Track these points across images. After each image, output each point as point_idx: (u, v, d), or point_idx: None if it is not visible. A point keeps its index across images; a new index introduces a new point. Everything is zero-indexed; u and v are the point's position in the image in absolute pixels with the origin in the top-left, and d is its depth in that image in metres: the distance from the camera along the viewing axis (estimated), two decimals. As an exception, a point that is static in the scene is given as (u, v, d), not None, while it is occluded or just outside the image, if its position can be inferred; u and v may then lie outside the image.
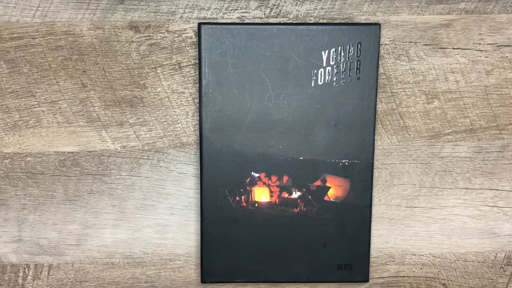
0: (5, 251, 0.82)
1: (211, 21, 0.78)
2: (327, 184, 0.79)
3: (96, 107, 0.79)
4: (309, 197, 0.79)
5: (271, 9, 0.78)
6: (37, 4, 0.77)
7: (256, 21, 0.78)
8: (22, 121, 0.79)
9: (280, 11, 0.78)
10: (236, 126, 0.77)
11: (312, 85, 0.76)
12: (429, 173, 0.82)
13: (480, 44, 0.79)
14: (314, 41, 0.75)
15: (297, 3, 0.78)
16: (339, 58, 0.75)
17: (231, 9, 0.78)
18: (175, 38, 0.78)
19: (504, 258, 0.85)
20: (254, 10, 0.78)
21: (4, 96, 0.79)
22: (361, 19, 0.78)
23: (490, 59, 0.79)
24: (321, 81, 0.76)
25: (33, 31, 0.77)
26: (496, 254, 0.85)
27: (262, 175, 0.78)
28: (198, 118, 0.79)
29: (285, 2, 0.78)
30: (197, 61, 0.78)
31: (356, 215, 0.80)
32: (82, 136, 0.80)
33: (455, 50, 0.79)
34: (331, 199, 0.79)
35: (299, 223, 0.79)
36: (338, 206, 0.79)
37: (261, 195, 0.79)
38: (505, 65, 0.80)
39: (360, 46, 0.75)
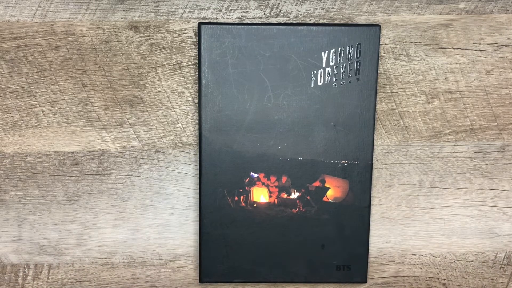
0: (5, 251, 0.83)
1: (211, 21, 0.78)
2: (326, 185, 0.79)
3: (96, 107, 0.79)
4: (308, 197, 0.79)
5: (271, 9, 0.78)
6: (37, 4, 0.77)
7: (256, 21, 0.78)
8: (22, 121, 0.79)
9: (280, 11, 0.78)
10: (235, 126, 0.77)
11: (312, 85, 0.76)
12: (429, 173, 0.82)
13: (480, 44, 0.79)
14: (314, 42, 0.75)
15: (297, 3, 0.78)
16: (339, 59, 0.75)
17: (231, 9, 0.78)
18: (175, 38, 0.78)
19: (504, 258, 0.85)
20: (254, 10, 0.78)
21: (4, 96, 0.79)
22: (361, 19, 0.78)
23: (490, 59, 0.79)
24: (320, 82, 0.76)
25: (33, 31, 0.77)
26: (496, 254, 0.85)
27: (261, 175, 0.78)
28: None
29: (285, 2, 0.78)
30: (197, 61, 0.78)
31: (355, 216, 0.80)
32: (82, 136, 0.80)
33: (455, 50, 0.79)
34: (330, 200, 0.79)
35: (297, 223, 0.80)
36: (337, 207, 0.79)
37: (260, 195, 0.79)
38: (505, 65, 0.79)
39: (360, 47, 0.75)
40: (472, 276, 0.85)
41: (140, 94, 0.79)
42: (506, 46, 0.79)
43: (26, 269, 0.83)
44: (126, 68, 0.78)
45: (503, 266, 0.85)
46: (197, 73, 0.79)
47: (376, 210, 0.83)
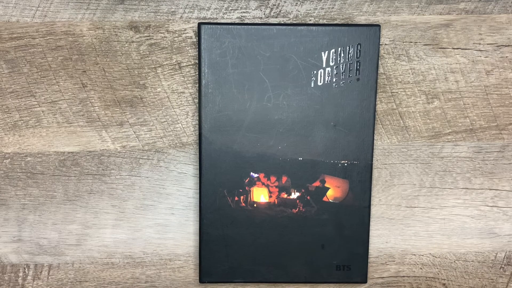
0: (5, 251, 0.83)
1: (211, 21, 0.78)
2: (326, 185, 0.79)
3: (96, 107, 0.79)
4: (308, 197, 0.79)
5: (271, 9, 0.78)
6: (37, 4, 0.77)
7: (256, 21, 0.78)
8: (22, 121, 0.79)
9: (280, 11, 0.78)
10: (235, 126, 0.77)
11: (312, 85, 0.76)
12: (429, 173, 0.82)
13: (480, 44, 0.79)
14: (314, 42, 0.75)
15: (297, 3, 0.78)
16: (339, 59, 0.75)
17: (231, 9, 0.78)
18: (175, 38, 0.78)
19: (504, 258, 0.85)
20: (254, 10, 0.78)
21: (4, 96, 0.79)
22: (361, 19, 0.78)
23: (490, 59, 0.79)
24: (320, 82, 0.76)
25: (33, 31, 0.77)
26: (496, 254, 0.85)
27: (261, 175, 0.78)
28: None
29: (285, 2, 0.78)
30: (197, 61, 0.78)
31: (355, 216, 0.80)
32: (82, 136, 0.80)
33: (455, 50, 0.79)
34: (330, 200, 0.79)
35: (297, 223, 0.80)
36: (337, 207, 0.79)
37: (260, 195, 0.79)
38: (505, 65, 0.79)
39: (360, 47, 0.75)
40: (472, 276, 0.85)
41: (140, 94, 0.79)
42: (506, 46, 0.79)
43: (26, 269, 0.83)
44: (126, 68, 0.78)
45: (503, 266, 0.85)
46: (197, 73, 0.79)
47: (376, 210, 0.83)
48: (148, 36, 0.78)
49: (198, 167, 0.81)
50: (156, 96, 0.79)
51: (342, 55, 0.75)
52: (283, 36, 0.75)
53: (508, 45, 0.79)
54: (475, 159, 0.82)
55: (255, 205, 0.79)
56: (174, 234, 0.83)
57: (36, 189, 0.81)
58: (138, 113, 0.80)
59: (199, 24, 0.75)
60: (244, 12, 0.78)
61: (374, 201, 0.82)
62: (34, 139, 0.80)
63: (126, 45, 0.78)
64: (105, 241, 0.83)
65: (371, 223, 0.83)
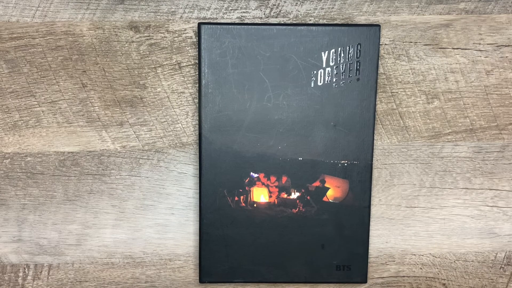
0: (5, 251, 0.83)
1: (211, 21, 0.78)
2: (326, 185, 0.79)
3: (96, 107, 0.79)
4: (308, 197, 0.79)
5: (271, 9, 0.78)
6: (37, 4, 0.77)
7: (256, 21, 0.78)
8: (22, 121, 0.79)
9: (280, 11, 0.78)
10: (235, 126, 0.77)
11: (312, 85, 0.76)
12: (429, 173, 0.82)
13: (480, 44, 0.79)
14: (314, 42, 0.75)
15: (297, 3, 0.78)
16: (339, 59, 0.75)
17: (231, 9, 0.78)
18: (175, 38, 0.78)
19: (504, 258, 0.85)
20: (254, 10, 0.78)
21: (4, 96, 0.79)
22: (361, 19, 0.78)
23: (490, 59, 0.79)
24: (320, 82, 0.76)
25: (33, 31, 0.77)
26: (496, 254, 0.85)
27: (261, 175, 0.78)
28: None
29: (285, 2, 0.78)
30: (197, 61, 0.78)
31: (355, 216, 0.80)
32: (82, 136, 0.80)
33: (455, 50, 0.79)
34: (330, 200, 0.79)
35: (297, 223, 0.80)
36: (337, 207, 0.79)
37: (260, 195, 0.79)
38: (505, 65, 0.79)
39: (360, 47, 0.75)
40: (472, 276, 0.85)
41: (140, 94, 0.79)
42: (506, 46, 0.79)
43: (26, 269, 0.83)
44: (126, 68, 0.78)
45: (503, 266, 0.85)
46: (197, 73, 0.79)
47: (376, 210, 0.83)
48: (148, 36, 0.78)
49: (198, 167, 0.81)
50: (156, 96, 0.79)
51: (342, 55, 0.75)
52: (283, 36, 0.75)
53: (508, 45, 0.79)
54: (475, 159, 0.82)
55: (255, 205, 0.79)
56: (174, 234, 0.83)
57: (36, 189, 0.81)
58: (138, 113, 0.80)
59: (199, 24, 0.75)
60: (244, 12, 0.78)
61: (374, 201, 0.82)
62: (34, 139, 0.80)
63: (126, 45, 0.78)
64: (105, 241, 0.83)
65: (371, 223, 0.83)
